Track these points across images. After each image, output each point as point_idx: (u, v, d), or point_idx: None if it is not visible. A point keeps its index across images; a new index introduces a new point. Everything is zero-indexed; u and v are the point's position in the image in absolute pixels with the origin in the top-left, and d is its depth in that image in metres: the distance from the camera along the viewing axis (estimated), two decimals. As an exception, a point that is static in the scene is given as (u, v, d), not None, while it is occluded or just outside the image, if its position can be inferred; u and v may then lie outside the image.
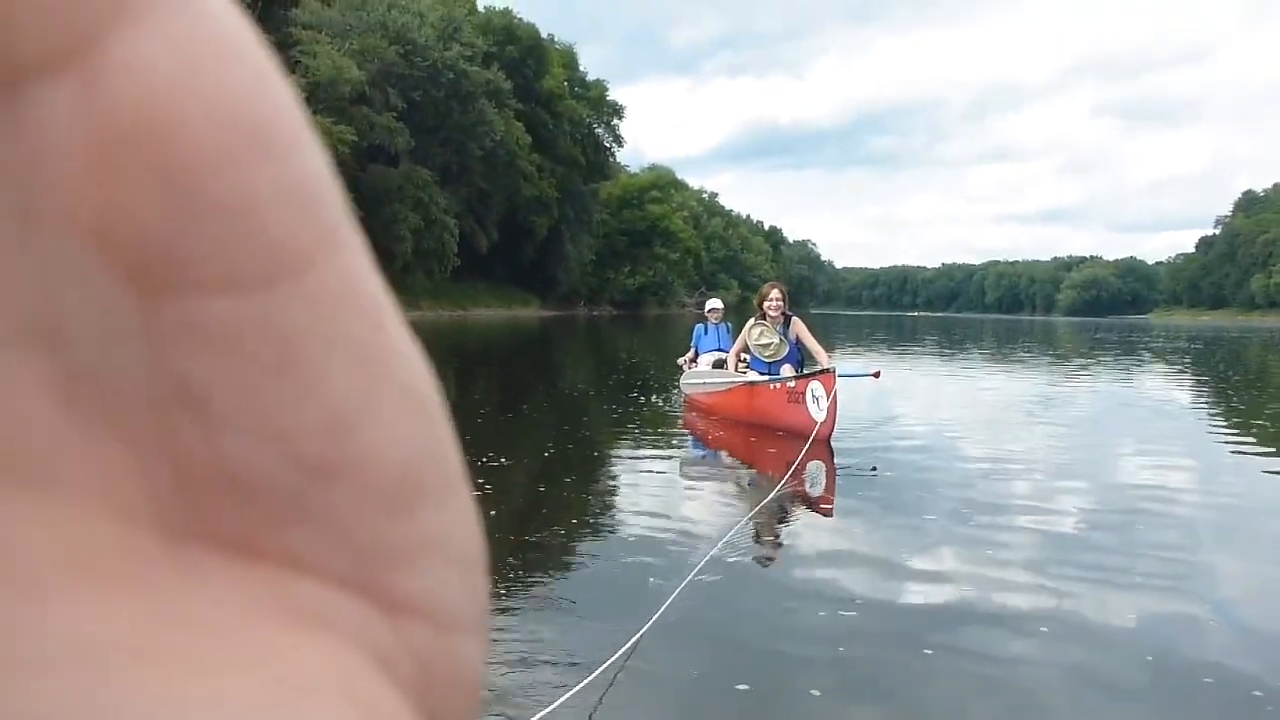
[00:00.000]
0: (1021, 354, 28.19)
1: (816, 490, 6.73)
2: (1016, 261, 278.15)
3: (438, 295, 53.18)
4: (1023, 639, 3.79)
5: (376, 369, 0.16)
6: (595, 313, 78.12)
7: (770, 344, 9.63)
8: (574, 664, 3.36)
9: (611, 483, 7.07)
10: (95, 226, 0.13)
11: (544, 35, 69.01)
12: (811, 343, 9.49)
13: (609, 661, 3.24)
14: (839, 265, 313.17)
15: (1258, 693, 3.34)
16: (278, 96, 0.14)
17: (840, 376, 8.60)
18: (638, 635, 3.49)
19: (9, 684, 0.12)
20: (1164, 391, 16.40)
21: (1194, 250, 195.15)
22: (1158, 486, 6.89)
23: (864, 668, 3.48)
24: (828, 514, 6.02)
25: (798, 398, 8.61)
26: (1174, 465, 8.11)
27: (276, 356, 0.14)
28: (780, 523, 5.63)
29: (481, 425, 9.33)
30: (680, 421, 10.22)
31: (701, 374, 10.61)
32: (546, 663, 3.42)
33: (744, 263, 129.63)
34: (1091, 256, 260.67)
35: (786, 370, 9.36)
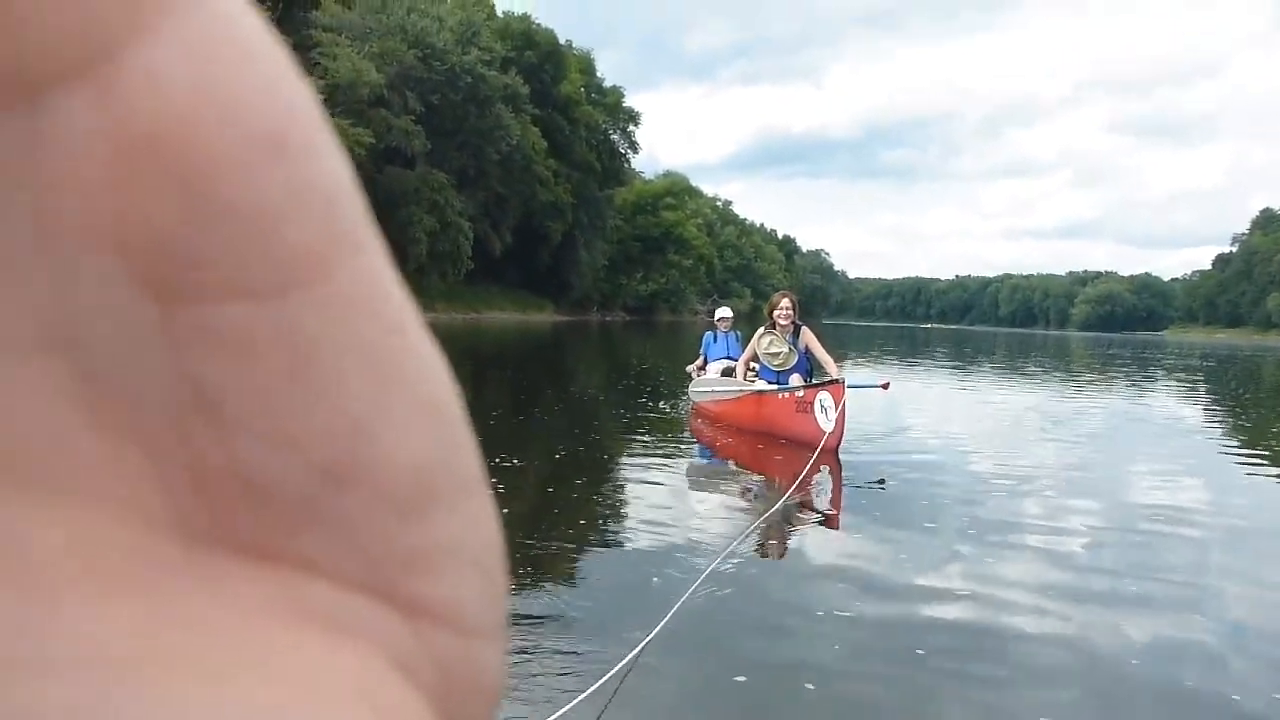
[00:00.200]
0: (1033, 368, 28.10)
1: (823, 501, 6.74)
2: (1031, 275, 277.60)
3: (451, 298, 53.39)
4: (1024, 657, 3.79)
5: (392, 373, 0.16)
6: (608, 318, 78.25)
7: (780, 353, 9.65)
8: (576, 672, 3.37)
9: (619, 488, 7.10)
10: (113, 234, 0.13)
11: (562, 41, 69.27)
12: (821, 353, 9.50)
13: (612, 671, 3.25)
14: (852, 275, 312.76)
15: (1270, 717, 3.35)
16: (294, 100, 0.14)
17: (849, 388, 8.61)
18: (642, 644, 3.51)
19: (17, 684, 0.12)
20: (1176, 409, 16.35)
21: (1210, 267, 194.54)
22: (1168, 505, 6.87)
23: (865, 681, 3.49)
24: (834, 526, 6.03)
25: (806, 408, 8.62)
26: (1184, 484, 8.09)
27: (292, 362, 0.14)
28: (786, 533, 5.64)
29: (494, 427, 9.37)
30: (688, 429, 10.25)
31: (710, 382, 10.63)
32: (549, 670, 3.43)
33: (757, 271, 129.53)
34: (1106, 272, 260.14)
35: (795, 380, 9.37)
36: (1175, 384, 23.49)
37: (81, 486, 0.14)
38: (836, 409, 8.27)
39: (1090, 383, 22.24)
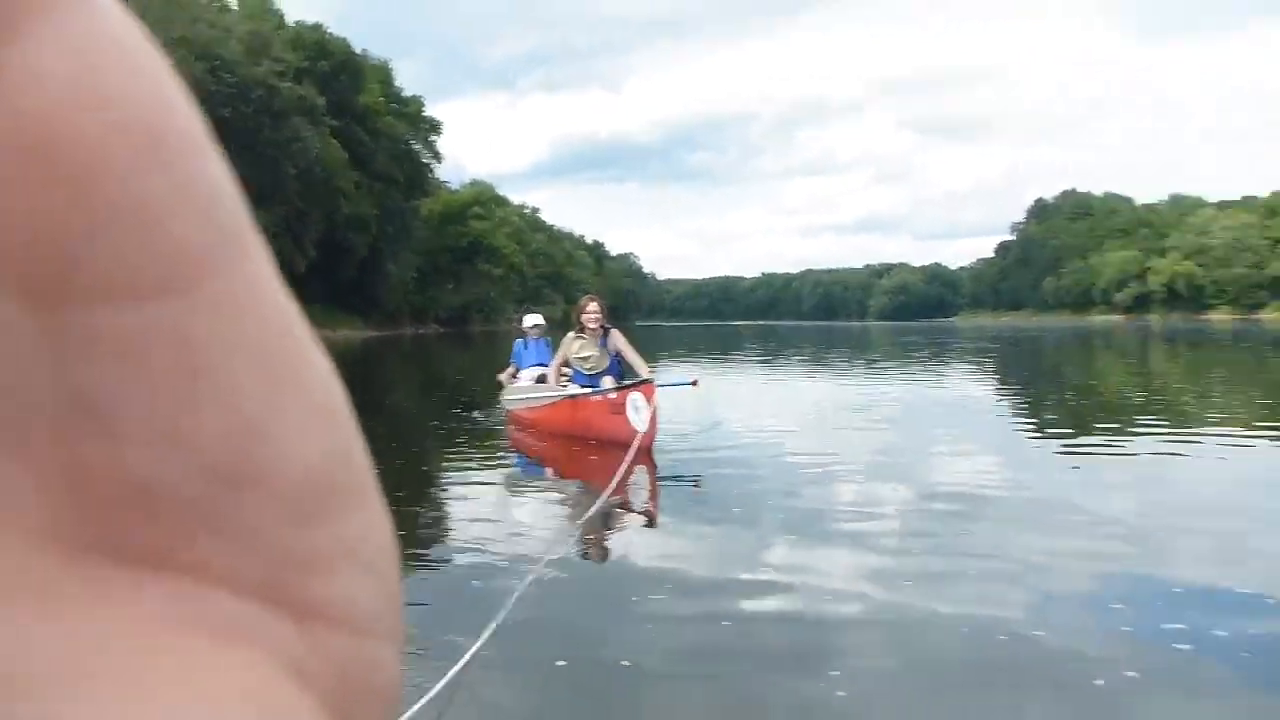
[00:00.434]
0: (837, 359, 29.18)
1: (640, 500, 6.82)
2: (831, 270, 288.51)
3: (253, 318, 51.30)
4: (840, 640, 3.90)
5: (284, 374, 0.15)
6: (421, 331, 76.96)
7: (590, 356, 9.72)
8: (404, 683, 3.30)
9: (438, 502, 6.99)
10: None
11: (357, 50, 67.86)
12: (631, 354, 9.62)
13: (438, 685, 3.18)
14: (663, 277, 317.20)
15: (1099, 682, 3.54)
16: (174, 99, 0.14)
17: (660, 387, 8.76)
18: (468, 655, 3.44)
19: None
20: (969, 389, 17.30)
21: (993, 255, 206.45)
22: (967, 483, 7.20)
23: (690, 676, 3.53)
24: (652, 524, 6.11)
25: (619, 409, 8.71)
26: (980, 461, 8.54)
27: (180, 365, 0.14)
28: (605, 534, 5.68)
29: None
30: (504, 437, 10.20)
31: (523, 389, 10.62)
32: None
33: (569, 277, 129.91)
34: (901, 263, 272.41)
35: (607, 382, 9.46)
36: (967, 366, 24.85)
37: None
38: (649, 408, 8.40)
39: (890, 369, 23.26)
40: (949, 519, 6.02)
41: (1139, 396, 15.38)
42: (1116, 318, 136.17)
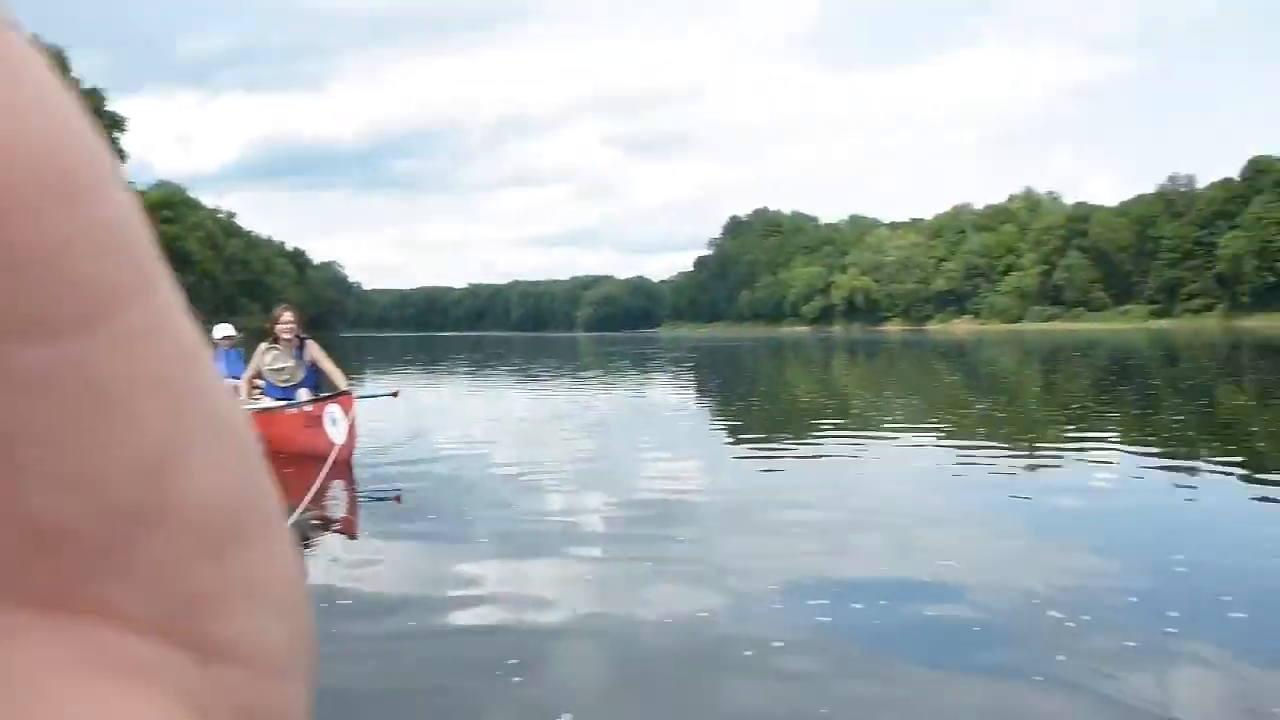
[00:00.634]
0: (543, 370, 29.54)
1: (338, 514, 6.67)
2: (539, 281, 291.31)
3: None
4: (551, 646, 3.96)
5: (191, 408, 0.15)
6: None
7: (285, 368, 9.37)
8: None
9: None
10: None
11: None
12: (328, 365, 9.35)
13: None
14: (368, 287, 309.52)
15: (795, 668, 3.76)
16: (84, 139, 0.14)
17: (359, 398, 8.58)
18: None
19: None
20: (669, 397, 18.04)
21: (692, 269, 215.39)
22: (669, 487, 7.52)
23: (398, 688, 3.50)
24: (352, 537, 5.98)
25: (315, 422, 8.45)
26: (681, 465, 8.96)
27: (87, 402, 0.14)
28: (301, 550, 5.47)
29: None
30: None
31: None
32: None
33: (268, 285, 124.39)
34: (606, 276, 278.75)
35: (303, 394, 9.15)
36: (668, 375, 25.90)
37: None
38: (347, 420, 8.20)
39: (595, 379, 23.82)
40: (651, 523, 6.22)
41: (823, 402, 16.58)
42: (804, 329, 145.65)
